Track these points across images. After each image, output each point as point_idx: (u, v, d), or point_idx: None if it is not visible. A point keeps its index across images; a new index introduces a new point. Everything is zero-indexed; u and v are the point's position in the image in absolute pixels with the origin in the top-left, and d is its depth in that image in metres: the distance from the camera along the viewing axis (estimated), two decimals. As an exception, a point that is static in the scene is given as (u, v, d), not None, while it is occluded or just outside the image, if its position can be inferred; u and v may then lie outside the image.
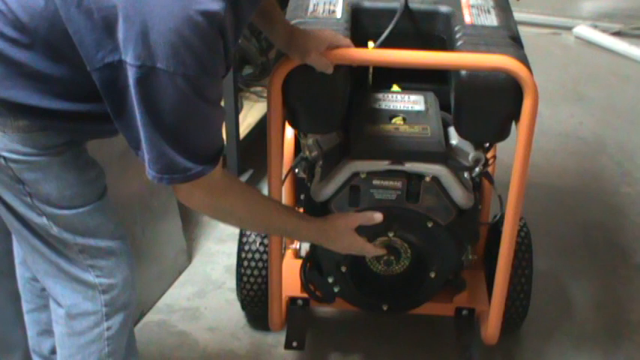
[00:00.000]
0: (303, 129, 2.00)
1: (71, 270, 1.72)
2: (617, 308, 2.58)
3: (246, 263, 2.28)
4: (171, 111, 1.41)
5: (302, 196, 2.12)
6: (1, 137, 1.53)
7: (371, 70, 2.08)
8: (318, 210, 1.95)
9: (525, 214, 2.27)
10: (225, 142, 1.68)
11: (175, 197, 1.62)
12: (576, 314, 2.55)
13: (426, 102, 2.03)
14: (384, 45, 1.93)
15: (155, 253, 2.49)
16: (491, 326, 2.09)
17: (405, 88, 2.10)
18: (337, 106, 1.88)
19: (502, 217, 1.99)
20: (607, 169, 3.28)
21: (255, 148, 2.85)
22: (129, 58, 1.36)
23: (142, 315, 2.47)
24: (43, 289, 1.84)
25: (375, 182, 1.92)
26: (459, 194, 1.93)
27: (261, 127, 2.94)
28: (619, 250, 2.83)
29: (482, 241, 2.29)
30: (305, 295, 2.15)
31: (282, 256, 2.08)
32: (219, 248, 2.77)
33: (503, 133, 1.87)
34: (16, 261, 1.92)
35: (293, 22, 1.89)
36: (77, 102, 1.52)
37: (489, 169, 2.07)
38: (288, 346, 2.19)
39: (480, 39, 1.85)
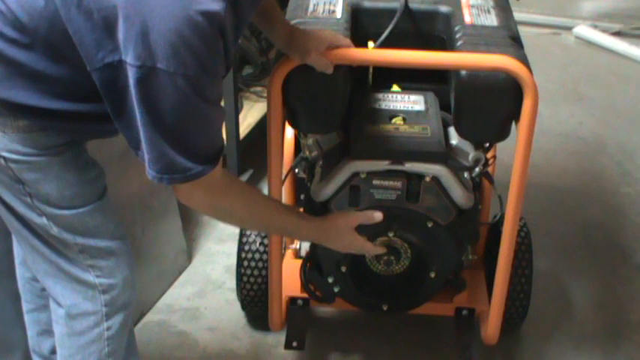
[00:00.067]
0: (303, 129, 2.00)
1: (71, 270, 1.72)
2: (617, 308, 2.58)
3: (246, 263, 2.28)
4: (171, 111, 1.40)
5: (302, 196, 2.12)
6: (1, 137, 1.53)
7: (371, 70, 2.08)
8: (318, 210, 1.95)
9: (525, 214, 2.27)
10: (225, 142, 1.68)
11: (175, 197, 1.62)
12: (576, 314, 2.55)
13: (426, 102, 2.03)
14: (384, 45, 1.93)
15: (155, 253, 2.49)
16: (491, 326, 2.09)
17: (405, 88, 2.10)
18: (337, 106, 1.88)
19: (502, 217, 1.99)
20: (607, 169, 3.28)
21: (255, 148, 2.85)
22: (129, 58, 1.36)
23: (142, 315, 2.47)
24: (43, 289, 1.84)
25: (375, 182, 1.92)
26: (459, 194, 1.93)
27: (261, 127, 2.94)
28: (619, 250, 2.83)
29: (483, 241, 2.29)
30: (305, 295, 2.15)
31: (282, 256, 2.08)
32: (219, 248, 2.77)
33: (503, 133, 1.87)
34: (16, 261, 1.92)
35: (293, 22, 1.89)
36: (77, 102, 1.52)
37: (489, 169, 2.07)
38: (288, 346, 2.19)
39: (480, 39, 1.85)
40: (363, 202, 1.94)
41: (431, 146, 1.91)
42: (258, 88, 3.21)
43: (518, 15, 2.15)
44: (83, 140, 1.66)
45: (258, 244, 2.28)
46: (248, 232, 2.30)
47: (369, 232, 1.91)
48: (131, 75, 1.37)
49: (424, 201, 1.94)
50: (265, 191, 1.92)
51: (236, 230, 2.45)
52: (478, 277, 2.26)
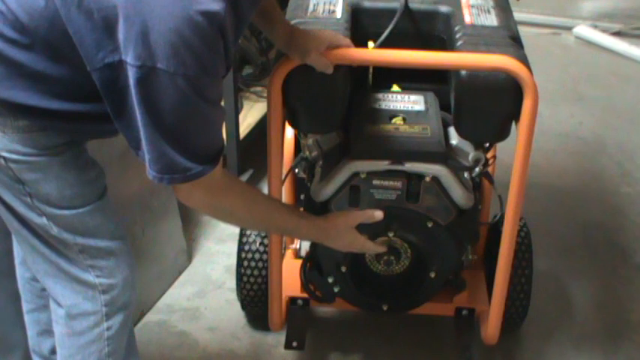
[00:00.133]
0: (303, 129, 2.00)
1: (71, 270, 1.72)
2: (617, 308, 2.58)
3: (246, 263, 2.28)
4: (171, 111, 1.41)
5: (302, 196, 2.12)
6: (1, 137, 1.53)
7: (371, 70, 2.08)
8: (318, 210, 1.95)
9: (525, 214, 2.27)
10: (225, 142, 1.68)
11: (175, 197, 1.62)
12: (576, 314, 2.55)
13: (426, 102, 2.03)
14: (384, 45, 1.93)
15: (155, 253, 2.49)
16: (491, 326, 2.09)
17: (405, 88, 2.10)
18: (337, 106, 1.88)
19: (502, 217, 1.99)
20: (607, 169, 3.28)
21: (255, 148, 2.85)
22: (129, 58, 1.36)
23: (142, 315, 2.47)
24: (43, 289, 1.84)
25: (375, 182, 1.92)
26: (459, 194, 1.93)
27: (261, 127, 2.94)
28: (619, 250, 2.83)
29: (483, 241, 2.29)
30: (305, 295, 2.15)
31: (282, 256, 2.08)
32: (219, 248, 2.77)
33: (503, 133, 1.87)
34: (16, 261, 1.92)
35: (293, 22, 1.89)
36: (77, 102, 1.52)
37: (489, 169, 2.07)
38: (288, 346, 2.19)
39: (480, 39, 1.85)
40: (363, 202, 1.94)
41: (431, 146, 1.91)
42: (258, 88, 3.21)
43: (518, 15, 2.15)
44: (83, 140, 1.66)
45: (258, 244, 2.28)
46: (248, 232, 2.30)
47: (369, 232, 1.91)
48: (131, 75, 1.37)
49: (424, 201, 1.94)
50: (265, 191, 1.93)
51: (236, 230, 2.45)
52: (478, 277, 2.26)
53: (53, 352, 1.90)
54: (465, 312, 2.20)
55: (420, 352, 2.38)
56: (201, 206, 1.66)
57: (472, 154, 1.95)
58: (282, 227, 1.82)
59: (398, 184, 1.92)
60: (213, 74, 1.42)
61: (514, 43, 1.86)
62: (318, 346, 2.38)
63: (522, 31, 2.02)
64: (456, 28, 1.91)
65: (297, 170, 2.14)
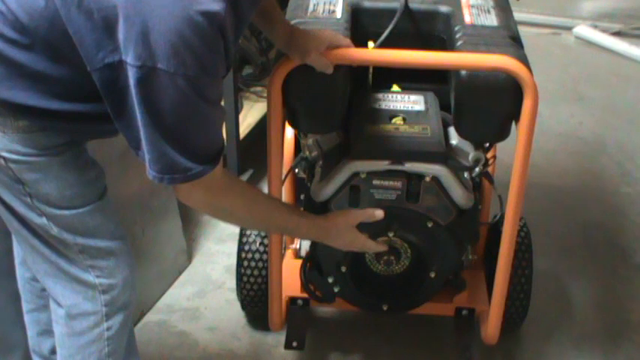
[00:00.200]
0: (303, 129, 2.00)
1: (71, 270, 1.72)
2: (617, 308, 2.58)
3: (246, 263, 2.28)
4: (171, 111, 1.41)
5: (302, 196, 2.12)
6: (1, 137, 1.53)
7: (371, 70, 2.08)
8: (318, 210, 1.95)
9: (525, 214, 2.27)
10: (225, 142, 1.68)
11: (175, 197, 1.62)
12: (576, 314, 2.55)
13: (426, 102, 2.03)
14: (384, 45, 1.93)
15: (155, 253, 2.49)
16: (491, 326, 2.09)
17: (405, 88, 2.10)
18: (337, 106, 1.88)
19: (502, 217, 1.99)
20: (607, 169, 3.28)
21: (255, 148, 2.85)
22: (129, 58, 1.36)
23: (142, 315, 2.47)
24: (43, 289, 1.84)
25: (375, 182, 1.92)
26: (459, 194, 1.93)
27: (261, 127, 2.94)
28: (619, 250, 2.83)
29: (483, 241, 2.29)
30: (305, 295, 2.15)
31: (282, 256, 2.08)
32: (219, 248, 2.77)
33: (503, 133, 1.87)
34: (16, 261, 1.92)
35: (293, 22, 1.89)
36: (77, 102, 1.52)
37: (489, 169, 2.07)
38: (288, 346, 2.19)
39: (480, 39, 1.85)
40: (362, 202, 1.94)
41: (431, 146, 1.91)
42: (258, 88, 3.21)
43: (518, 15, 2.15)
44: (83, 140, 1.66)
45: (258, 244, 2.28)
46: (248, 232, 2.30)
47: (369, 232, 1.91)
48: (131, 75, 1.37)
49: (424, 201, 1.94)
50: (265, 191, 1.92)
51: (236, 230, 2.45)
52: (478, 277, 2.26)
53: (53, 352, 1.90)
54: (465, 312, 2.20)
55: (420, 352, 2.38)
56: (201, 206, 1.66)
57: (472, 154, 1.95)
58: (282, 227, 1.82)
59: (398, 184, 1.92)
60: (213, 74, 1.42)
61: (514, 43, 1.86)
62: (318, 346, 2.38)
63: (522, 31, 2.02)
64: (456, 28, 1.91)
65: (297, 170, 2.14)
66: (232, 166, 2.91)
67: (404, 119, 1.97)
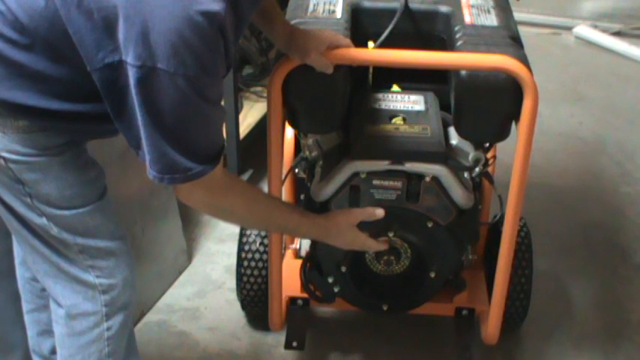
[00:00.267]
0: (303, 129, 2.00)
1: (71, 270, 1.72)
2: (617, 308, 2.58)
3: (246, 263, 2.28)
4: (171, 111, 1.41)
5: (302, 196, 2.12)
6: (1, 138, 1.53)
7: (371, 70, 2.08)
8: (318, 210, 1.95)
9: (525, 214, 2.27)
10: (225, 142, 1.68)
11: (175, 197, 1.62)
12: (576, 314, 2.55)
13: (426, 102, 2.03)
14: (384, 45, 1.93)
15: (155, 253, 2.49)
16: (491, 326, 2.09)
17: (405, 88, 2.10)
18: (337, 106, 1.88)
19: (502, 217, 1.99)
20: (607, 169, 3.28)
21: (255, 148, 2.85)
22: (129, 58, 1.36)
23: (142, 315, 2.47)
24: (43, 289, 1.84)
25: (375, 182, 1.92)
26: (459, 194, 1.93)
27: (261, 127, 2.94)
28: (619, 250, 2.83)
29: (483, 241, 2.30)
30: (305, 295, 2.15)
31: (282, 256, 2.08)
32: (219, 248, 2.77)
33: (503, 133, 1.87)
34: (16, 261, 1.92)
35: (293, 22, 1.89)
36: (77, 102, 1.52)
37: (489, 169, 2.07)
38: (288, 346, 2.19)
39: (480, 39, 1.85)
40: (363, 202, 1.94)
41: (431, 146, 1.91)
42: (258, 88, 3.21)
43: (518, 15, 2.15)
44: (83, 140, 1.66)
45: (258, 244, 2.28)
46: (248, 232, 2.30)
47: (369, 231, 1.91)
48: (131, 75, 1.37)
49: (424, 201, 1.94)
50: (265, 191, 1.92)
51: (236, 230, 2.45)
52: (478, 277, 2.26)
53: (53, 352, 1.90)
54: (464, 312, 2.20)
55: (420, 352, 2.38)
56: (201, 206, 1.66)
57: (472, 154, 1.95)
58: (283, 226, 1.82)
59: (398, 184, 1.92)
60: (213, 74, 1.42)
61: (514, 43, 1.86)
62: (318, 346, 2.38)
63: (522, 31, 2.02)
64: (456, 28, 1.91)
65: (297, 170, 2.14)
66: (232, 166, 2.91)
67: (404, 119, 1.97)
